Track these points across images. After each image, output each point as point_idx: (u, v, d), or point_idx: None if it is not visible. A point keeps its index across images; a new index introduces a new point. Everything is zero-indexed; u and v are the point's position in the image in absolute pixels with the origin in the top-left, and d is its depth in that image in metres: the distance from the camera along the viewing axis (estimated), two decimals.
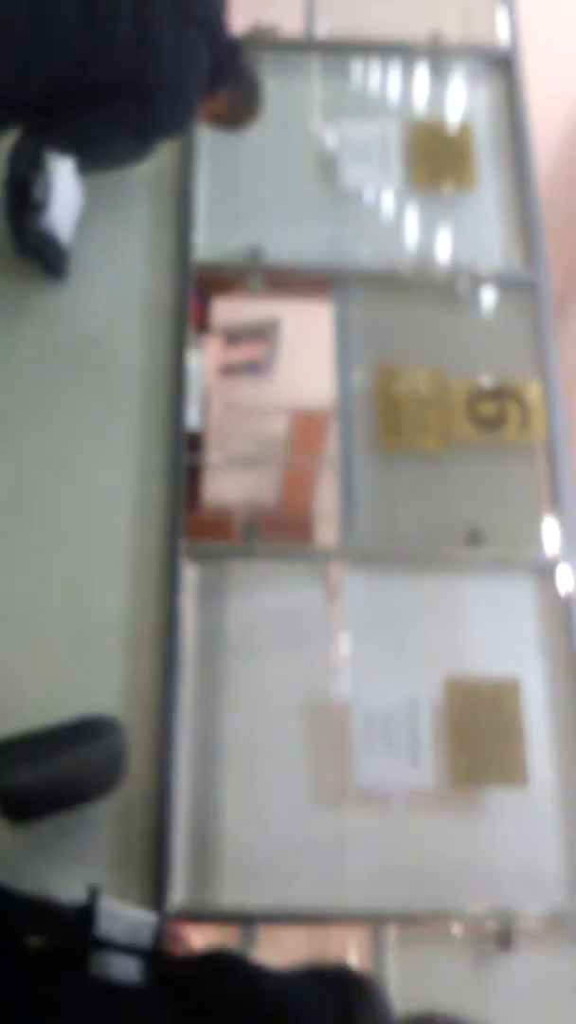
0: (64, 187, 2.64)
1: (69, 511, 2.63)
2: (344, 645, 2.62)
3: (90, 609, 2.54)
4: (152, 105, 2.40)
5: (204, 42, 2.44)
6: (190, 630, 2.57)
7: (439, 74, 3.35)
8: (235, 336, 4.00)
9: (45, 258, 2.72)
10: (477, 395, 2.86)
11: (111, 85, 2.33)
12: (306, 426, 3.80)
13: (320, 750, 2.50)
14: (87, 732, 2.14)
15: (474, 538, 2.72)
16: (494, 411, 2.84)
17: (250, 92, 2.68)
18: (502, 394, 2.87)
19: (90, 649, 2.50)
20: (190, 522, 2.66)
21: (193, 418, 2.79)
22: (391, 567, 2.71)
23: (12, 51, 2.22)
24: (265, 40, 3.31)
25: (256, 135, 2.90)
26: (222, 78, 2.54)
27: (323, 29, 3.41)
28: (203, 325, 3.25)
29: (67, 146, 2.50)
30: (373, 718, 2.51)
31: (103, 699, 2.40)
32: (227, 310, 3.83)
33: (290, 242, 3.04)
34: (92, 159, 2.66)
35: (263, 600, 2.66)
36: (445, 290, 3.01)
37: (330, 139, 3.22)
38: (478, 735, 2.51)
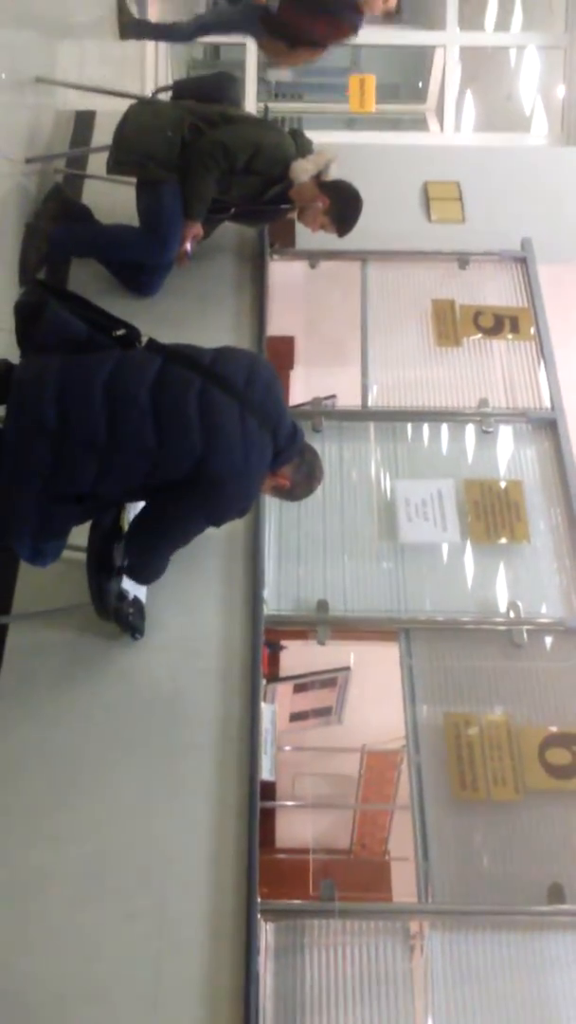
0: None
1: (144, 869, 2.63)
2: (426, 1005, 2.52)
3: (167, 973, 2.50)
4: (218, 499, 2.61)
5: (267, 435, 2.63)
6: (268, 990, 2.50)
7: (488, 436, 3.60)
8: (305, 684, 4.10)
9: (124, 619, 2.88)
10: (548, 743, 2.89)
11: (180, 481, 2.55)
12: (378, 765, 3.80)
13: None
14: None
15: (557, 894, 2.66)
16: (567, 759, 2.86)
17: (309, 468, 2.83)
18: (573, 742, 2.89)
19: (168, 1015, 2.44)
20: (265, 868, 2.63)
21: (267, 769, 2.84)
22: (472, 923, 2.64)
23: (94, 462, 2.48)
24: (325, 411, 3.62)
25: (318, 494, 3.07)
26: (283, 460, 2.74)
27: (376, 396, 3.70)
28: (273, 672, 3.35)
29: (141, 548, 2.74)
30: None
31: None
32: (296, 656, 3.94)
33: (354, 594, 3.20)
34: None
35: (341, 957, 2.59)
36: (507, 637, 3.11)
37: (389, 497, 3.44)
38: None
